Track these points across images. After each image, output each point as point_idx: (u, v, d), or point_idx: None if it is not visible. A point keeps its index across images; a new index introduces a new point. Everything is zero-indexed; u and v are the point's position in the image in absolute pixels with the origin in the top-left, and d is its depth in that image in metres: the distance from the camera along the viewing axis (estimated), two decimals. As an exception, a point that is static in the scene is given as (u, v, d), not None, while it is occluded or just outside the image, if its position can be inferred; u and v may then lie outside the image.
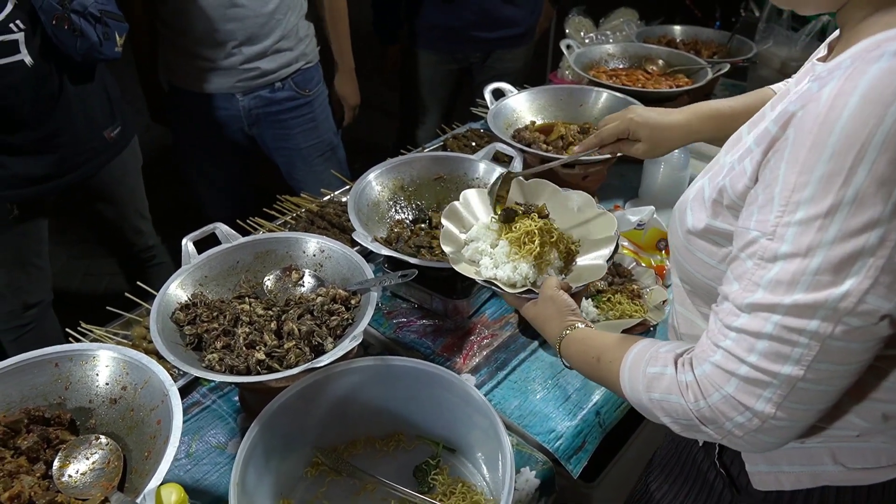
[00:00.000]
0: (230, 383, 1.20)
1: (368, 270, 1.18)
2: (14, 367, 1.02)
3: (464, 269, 1.11)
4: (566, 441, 1.20)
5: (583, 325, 0.96)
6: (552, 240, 1.13)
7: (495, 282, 1.08)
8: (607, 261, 1.13)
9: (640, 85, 2.10)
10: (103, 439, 0.99)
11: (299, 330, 1.07)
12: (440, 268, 1.22)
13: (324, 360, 0.98)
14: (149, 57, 2.15)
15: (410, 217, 1.50)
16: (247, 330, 1.08)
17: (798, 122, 0.64)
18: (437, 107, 2.72)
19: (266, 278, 1.22)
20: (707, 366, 0.71)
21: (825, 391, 0.67)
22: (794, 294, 0.64)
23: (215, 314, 1.12)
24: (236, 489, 0.91)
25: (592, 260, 1.15)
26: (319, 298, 1.13)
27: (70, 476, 0.95)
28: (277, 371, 1.02)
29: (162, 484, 0.85)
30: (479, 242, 1.15)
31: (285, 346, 1.05)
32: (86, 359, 1.04)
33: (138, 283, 1.50)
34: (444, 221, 1.19)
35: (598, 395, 1.28)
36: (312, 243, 1.24)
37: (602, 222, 1.20)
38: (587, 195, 1.24)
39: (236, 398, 1.26)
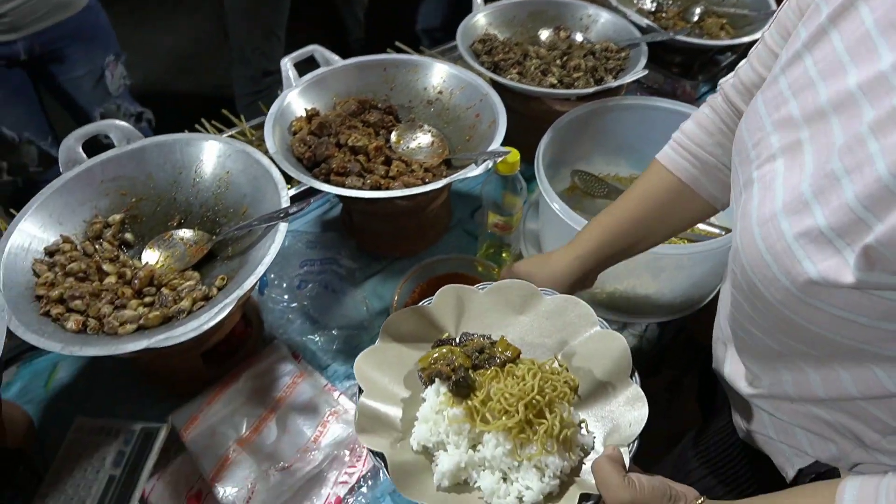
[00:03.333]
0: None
1: (636, 31, 1.34)
2: (352, 66, 1.26)
3: None
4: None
5: None
6: (555, 392, 0.70)
7: None
8: (630, 375, 0.71)
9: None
10: (426, 126, 1.23)
11: (586, 65, 1.26)
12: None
13: (613, 83, 1.18)
14: None
15: None
16: (536, 62, 1.28)
17: None
18: None
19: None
20: None
21: None
22: None
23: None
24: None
25: (614, 388, 0.72)
26: (598, 45, 1.31)
27: (405, 148, 1.20)
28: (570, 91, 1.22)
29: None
30: (450, 454, 0.68)
31: (573, 76, 1.24)
32: (408, 67, 1.27)
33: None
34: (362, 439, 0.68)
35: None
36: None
37: (570, 313, 0.78)
38: (523, 283, 0.80)
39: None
